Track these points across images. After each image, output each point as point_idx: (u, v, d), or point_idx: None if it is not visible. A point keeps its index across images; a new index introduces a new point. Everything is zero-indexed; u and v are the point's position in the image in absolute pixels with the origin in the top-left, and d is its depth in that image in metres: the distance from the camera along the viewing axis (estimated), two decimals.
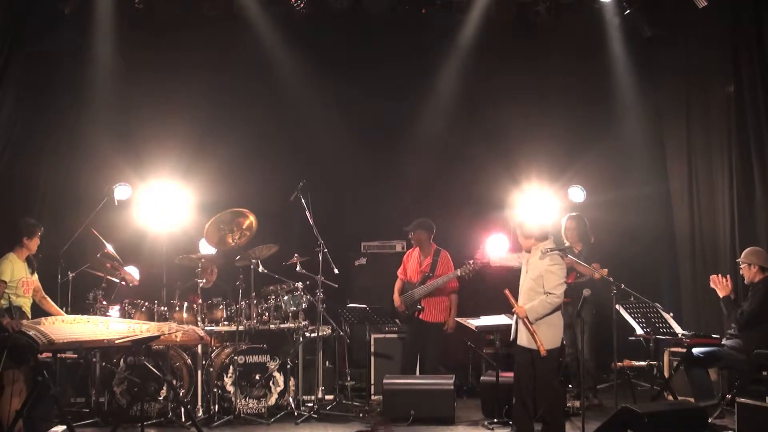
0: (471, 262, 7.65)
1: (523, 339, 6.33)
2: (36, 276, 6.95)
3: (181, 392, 7.26)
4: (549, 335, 6.26)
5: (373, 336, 8.48)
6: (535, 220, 6.73)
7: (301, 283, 7.79)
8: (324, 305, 7.83)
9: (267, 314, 7.72)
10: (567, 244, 7.89)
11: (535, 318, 6.25)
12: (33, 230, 6.86)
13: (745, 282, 7.22)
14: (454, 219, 9.31)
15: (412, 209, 8.94)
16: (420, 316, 8.05)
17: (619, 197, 9.17)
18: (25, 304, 6.77)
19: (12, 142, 8.40)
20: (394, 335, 8.49)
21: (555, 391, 6.48)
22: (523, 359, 6.36)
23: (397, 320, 8.18)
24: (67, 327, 6.23)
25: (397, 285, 8.28)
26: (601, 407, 7.71)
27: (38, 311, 6.92)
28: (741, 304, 7.08)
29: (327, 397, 8.05)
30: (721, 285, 7.22)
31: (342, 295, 8.48)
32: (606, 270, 7.32)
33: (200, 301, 7.61)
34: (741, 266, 7.21)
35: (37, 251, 6.98)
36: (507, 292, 6.39)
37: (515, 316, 6.44)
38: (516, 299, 6.39)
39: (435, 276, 8.06)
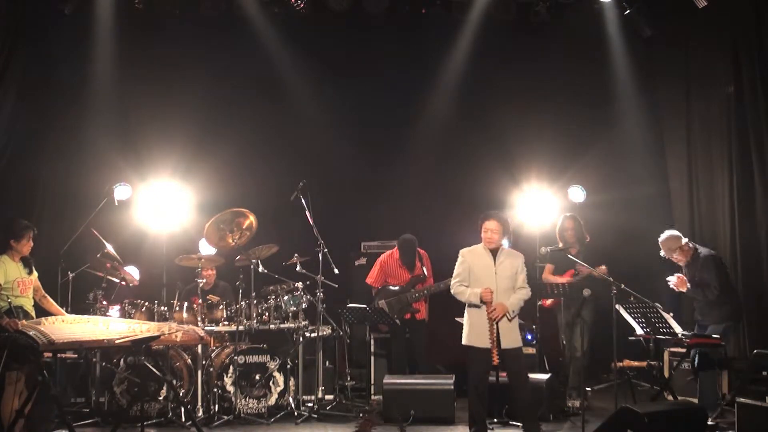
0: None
1: (508, 340, 6.36)
2: (35, 275, 6.93)
3: (181, 392, 7.26)
4: (517, 334, 6.48)
5: (373, 336, 8.48)
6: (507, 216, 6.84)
7: (301, 283, 7.78)
8: (324, 305, 7.83)
9: (267, 314, 7.72)
10: (560, 245, 7.90)
11: (516, 314, 6.44)
12: (21, 233, 6.75)
13: (684, 264, 7.44)
14: (454, 219, 9.30)
15: (413, 209, 8.94)
16: (416, 317, 8.12)
17: (619, 197, 9.17)
18: (26, 303, 6.74)
19: (12, 142, 8.41)
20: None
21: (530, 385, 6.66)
22: (490, 361, 6.38)
23: (397, 321, 8.18)
24: (67, 327, 6.23)
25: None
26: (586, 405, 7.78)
27: (40, 311, 6.92)
28: (702, 286, 7.27)
29: (327, 397, 8.04)
30: (681, 282, 7.40)
31: (342, 295, 8.48)
32: (605, 268, 7.41)
33: (200, 301, 7.61)
34: (673, 256, 7.41)
35: (36, 251, 6.94)
36: (489, 292, 6.37)
37: (476, 319, 6.44)
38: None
39: (429, 277, 8.18)
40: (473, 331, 6.45)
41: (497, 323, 6.33)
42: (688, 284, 7.35)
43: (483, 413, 6.52)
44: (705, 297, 7.28)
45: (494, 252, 6.54)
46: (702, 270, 7.33)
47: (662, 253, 7.50)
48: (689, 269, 7.45)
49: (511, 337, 6.41)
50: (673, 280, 7.46)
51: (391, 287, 8.22)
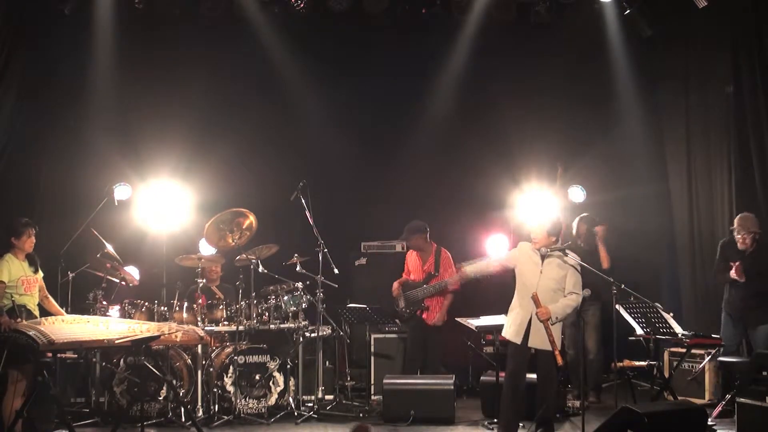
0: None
1: (537, 341, 6.31)
2: (41, 274, 6.92)
3: (181, 392, 7.26)
4: (558, 336, 6.37)
5: (373, 336, 8.46)
6: (552, 217, 6.77)
7: (301, 283, 7.78)
8: (324, 305, 7.83)
9: (267, 314, 7.72)
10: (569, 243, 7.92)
11: (560, 320, 6.33)
12: (21, 230, 6.76)
13: (746, 250, 7.29)
14: (454, 219, 9.32)
15: (413, 209, 8.92)
16: (423, 316, 8.05)
17: (619, 197, 9.16)
18: (30, 302, 6.74)
19: (12, 142, 8.41)
20: (394, 335, 8.49)
21: (557, 390, 6.52)
22: (524, 358, 6.38)
23: (397, 320, 8.18)
24: (67, 327, 6.23)
25: (397, 283, 8.27)
26: (599, 403, 7.77)
27: (41, 311, 6.91)
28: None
29: (327, 397, 8.05)
30: (738, 272, 7.26)
31: (342, 295, 8.47)
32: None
33: (201, 301, 7.61)
34: (745, 236, 7.26)
35: (36, 251, 6.93)
36: (536, 295, 6.28)
37: (514, 315, 6.44)
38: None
39: (440, 275, 8.07)
40: (510, 326, 6.44)
41: (545, 325, 6.24)
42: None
43: (511, 413, 6.40)
44: (764, 286, 7.21)
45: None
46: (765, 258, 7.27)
47: (734, 229, 7.39)
48: (748, 259, 7.30)
49: (537, 339, 6.31)
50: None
51: (412, 281, 8.17)
